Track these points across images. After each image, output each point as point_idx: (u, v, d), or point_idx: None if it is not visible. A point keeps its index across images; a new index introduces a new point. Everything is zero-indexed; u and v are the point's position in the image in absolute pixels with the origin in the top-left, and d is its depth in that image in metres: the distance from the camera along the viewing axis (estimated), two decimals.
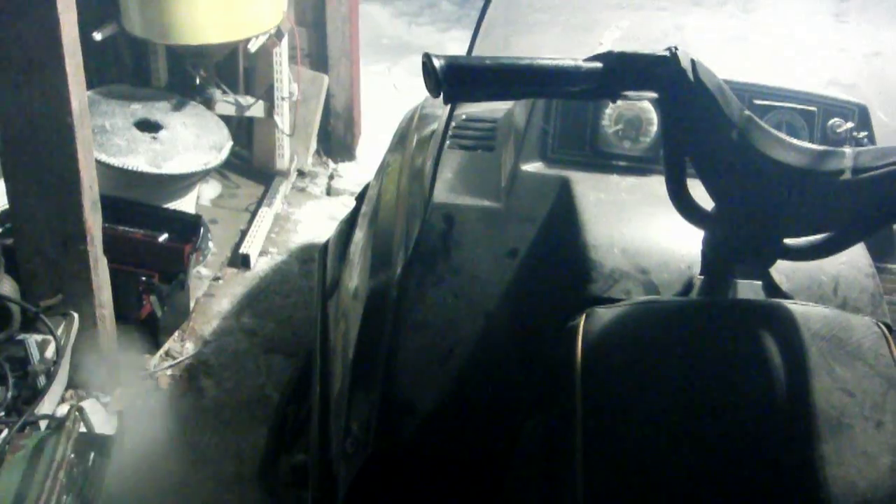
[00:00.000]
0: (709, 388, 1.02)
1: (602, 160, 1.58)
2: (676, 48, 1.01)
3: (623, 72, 1.01)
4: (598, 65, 1.01)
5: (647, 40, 1.87)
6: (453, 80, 0.98)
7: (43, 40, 2.10)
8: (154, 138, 3.13)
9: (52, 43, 2.10)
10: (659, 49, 1.02)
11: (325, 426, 1.56)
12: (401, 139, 2.07)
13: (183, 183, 3.21)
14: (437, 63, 0.97)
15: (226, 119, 3.44)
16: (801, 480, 0.95)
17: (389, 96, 4.61)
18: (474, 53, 1.34)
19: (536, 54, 1.02)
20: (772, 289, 1.15)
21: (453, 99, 1.02)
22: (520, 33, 1.99)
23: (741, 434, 0.98)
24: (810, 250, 1.12)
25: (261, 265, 3.32)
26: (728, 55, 1.84)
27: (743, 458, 0.97)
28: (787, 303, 1.09)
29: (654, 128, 1.58)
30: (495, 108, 1.76)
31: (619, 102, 1.55)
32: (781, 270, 1.20)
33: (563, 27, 2.01)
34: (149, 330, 2.77)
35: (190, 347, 2.85)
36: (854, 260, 1.32)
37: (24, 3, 2.06)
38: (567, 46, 1.90)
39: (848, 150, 1.05)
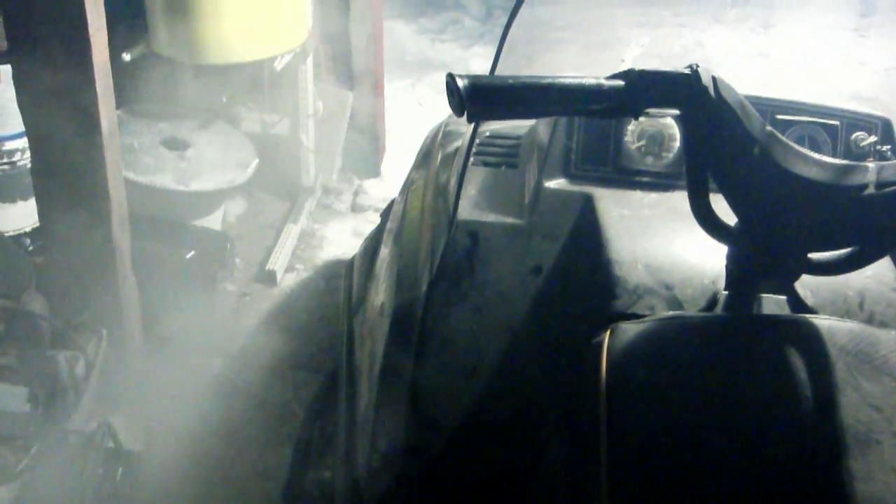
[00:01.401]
0: (734, 404, 1.01)
1: (625, 176, 1.58)
2: (698, 65, 1.02)
3: (645, 89, 1.02)
4: (620, 82, 1.02)
5: (668, 57, 1.87)
6: (477, 99, 0.99)
7: (74, 62, 2.14)
8: (181, 156, 3.16)
9: (84, 64, 2.13)
10: (680, 66, 1.02)
11: (351, 443, 1.57)
12: (425, 156, 2.08)
13: (209, 200, 3.24)
14: (460, 83, 0.98)
15: (251, 137, 3.47)
16: (829, 497, 0.95)
17: (413, 113, 4.63)
18: (497, 72, 1.36)
19: (558, 72, 1.03)
20: (797, 303, 1.15)
21: (477, 118, 1.03)
22: (541, 51, 1.99)
23: (768, 450, 0.98)
24: (835, 265, 1.12)
25: (287, 281, 3.33)
26: (749, 71, 1.83)
27: (770, 473, 0.96)
28: (813, 317, 1.09)
29: (677, 144, 1.58)
30: (519, 125, 1.76)
31: (642, 119, 1.56)
32: (806, 285, 1.19)
33: (585, 45, 2.01)
34: (176, 346, 2.79)
35: (216, 364, 2.87)
36: (880, 274, 1.31)
37: (56, 25, 2.10)
38: (588, 64, 1.91)
39: (871, 164, 1.05)
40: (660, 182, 1.58)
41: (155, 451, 2.31)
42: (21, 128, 2.37)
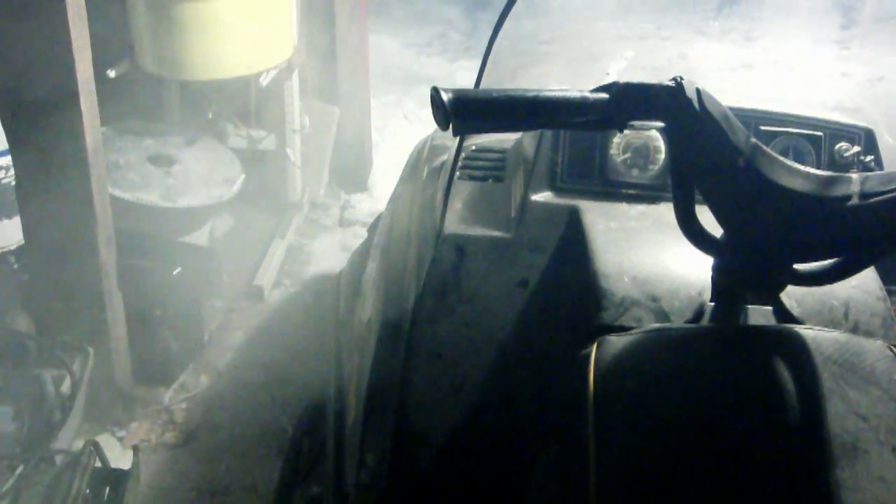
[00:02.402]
0: (722, 415, 1.01)
1: (611, 189, 1.59)
2: (682, 77, 1.02)
3: (629, 102, 1.02)
4: (605, 95, 1.02)
5: (653, 69, 1.88)
6: (461, 112, 0.99)
7: (59, 79, 2.13)
8: (167, 173, 3.15)
9: (68, 81, 2.13)
10: (664, 78, 1.03)
11: (339, 458, 1.56)
12: (412, 170, 2.08)
13: (196, 216, 3.23)
14: (445, 96, 0.98)
15: (238, 152, 3.46)
16: None
17: (400, 127, 4.63)
18: (482, 85, 1.36)
19: (543, 85, 1.03)
20: (783, 314, 1.15)
21: (462, 131, 1.03)
22: (527, 65, 2.00)
23: (756, 461, 0.98)
24: (820, 275, 1.12)
25: (274, 297, 3.33)
26: (733, 83, 1.85)
27: (758, 484, 0.97)
28: (799, 328, 1.09)
29: (662, 156, 1.59)
30: (504, 139, 1.77)
31: (627, 131, 1.56)
32: (792, 296, 1.20)
33: (570, 58, 2.03)
34: (163, 363, 2.77)
35: (204, 380, 2.86)
36: (865, 284, 1.32)
37: (41, 42, 2.10)
38: (573, 77, 1.92)
39: (855, 175, 1.06)
40: (646, 194, 1.58)
41: (142, 470, 2.30)
42: (5, 145, 2.36)
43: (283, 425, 2.67)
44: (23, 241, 2.51)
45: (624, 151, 1.60)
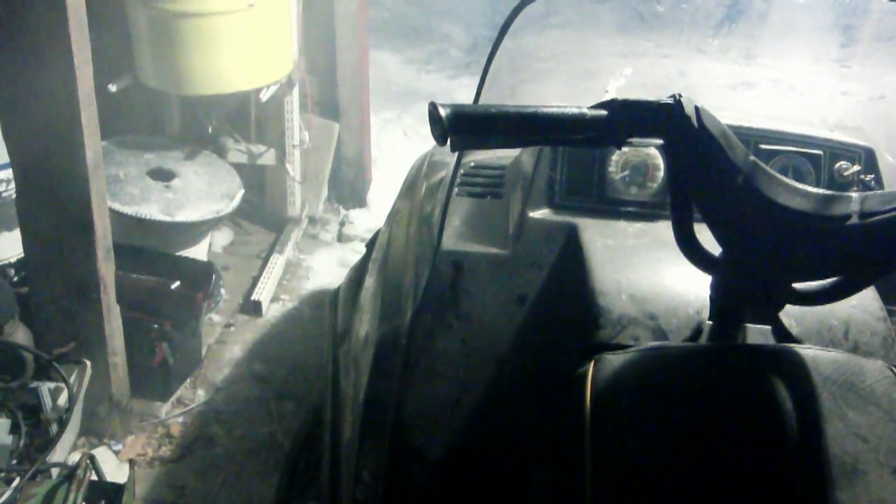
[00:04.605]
0: (719, 435, 1.01)
1: (609, 206, 1.58)
2: (681, 95, 1.02)
3: (628, 119, 1.02)
4: (604, 112, 1.02)
5: (652, 87, 1.89)
6: (459, 128, 0.99)
7: (59, 93, 2.14)
8: (167, 187, 3.16)
9: (69, 95, 2.13)
10: (663, 96, 1.02)
11: (335, 473, 1.56)
12: (410, 186, 2.08)
13: (195, 231, 3.23)
14: (443, 112, 0.98)
15: (238, 167, 3.47)
16: None
17: (399, 143, 4.64)
18: (481, 102, 1.36)
19: (542, 102, 1.03)
20: (782, 333, 1.15)
21: (460, 147, 1.03)
22: (526, 81, 2.01)
23: (754, 482, 0.97)
24: (820, 294, 1.12)
25: (272, 312, 3.32)
26: (732, 101, 1.85)
27: None
28: (798, 347, 1.09)
29: (661, 173, 1.59)
30: (503, 156, 1.77)
31: (626, 149, 1.56)
32: (791, 315, 1.19)
33: (569, 75, 2.03)
34: (161, 377, 2.77)
35: (202, 394, 2.85)
36: (865, 303, 1.31)
37: (42, 56, 2.10)
38: (572, 94, 1.92)
39: (855, 194, 1.05)
40: (644, 212, 1.58)
41: (138, 483, 2.28)
42: (6, 158, 2.36)
43: (280, 440, 2.66)
44: (22, 254, 2.51)
45: (622, 169, 1.59)
